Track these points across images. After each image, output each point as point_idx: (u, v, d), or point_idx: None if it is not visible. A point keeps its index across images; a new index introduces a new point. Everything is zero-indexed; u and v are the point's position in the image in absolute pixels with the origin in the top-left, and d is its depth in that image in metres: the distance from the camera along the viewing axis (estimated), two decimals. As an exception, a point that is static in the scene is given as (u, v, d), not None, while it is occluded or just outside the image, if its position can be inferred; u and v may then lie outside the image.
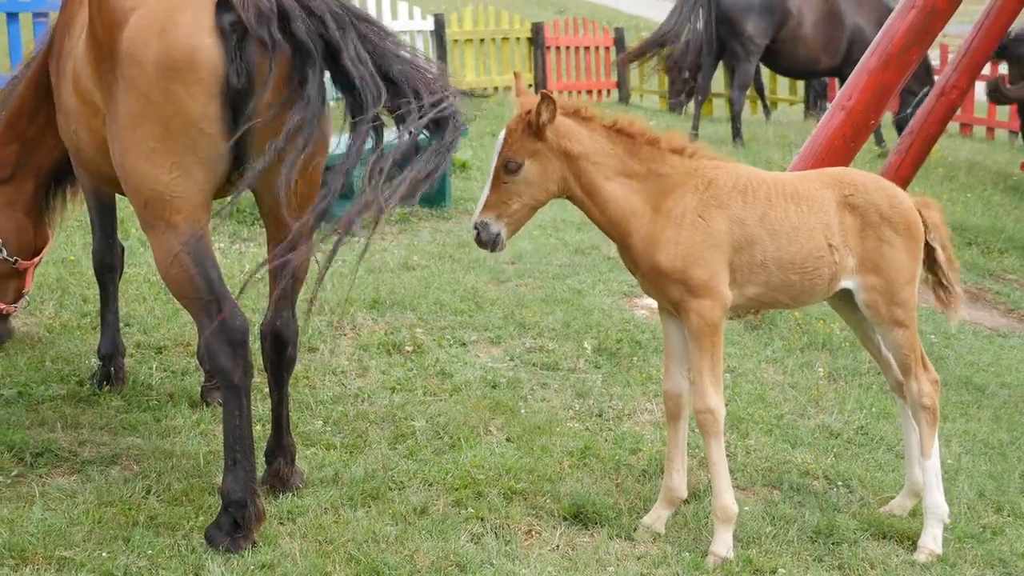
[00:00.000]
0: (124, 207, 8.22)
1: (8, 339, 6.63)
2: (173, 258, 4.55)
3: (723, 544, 4.99)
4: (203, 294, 4.54)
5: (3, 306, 6.49)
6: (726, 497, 5.01)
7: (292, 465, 5.22)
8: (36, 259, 6.57)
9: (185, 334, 6.94)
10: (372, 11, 16.56)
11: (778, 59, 16.34)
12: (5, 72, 11.83)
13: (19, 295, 6.57)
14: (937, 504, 5.27)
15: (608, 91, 20.56)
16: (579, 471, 5.68)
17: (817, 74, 16.91)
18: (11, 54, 11.52)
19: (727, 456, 5.86)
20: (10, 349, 6.61)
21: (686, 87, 19.06)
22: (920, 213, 5.28)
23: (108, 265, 6.26)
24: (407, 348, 7.03)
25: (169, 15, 4.42)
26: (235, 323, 4.54)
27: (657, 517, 5.20)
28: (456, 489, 5.34)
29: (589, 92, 19.94)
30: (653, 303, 8.38)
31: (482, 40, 18.53)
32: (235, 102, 4.48)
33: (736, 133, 15.82)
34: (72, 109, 5.13)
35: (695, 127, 16.01)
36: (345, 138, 4.52)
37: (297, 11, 4.43)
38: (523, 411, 6.32)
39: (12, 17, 11.46)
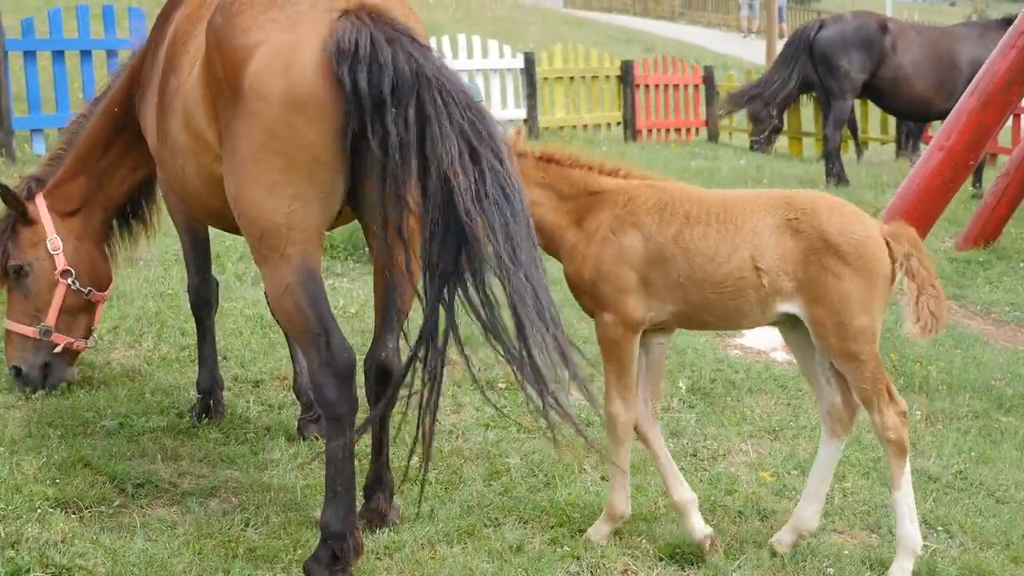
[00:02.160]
0: (217, 243, 8.36)
1: (73, 380, 6.66)
2: (284, 290, 4.58)
3: (597, 533, 5.24)
4: (312, 326, 4.57)
5: (75, 342, 6.57)
6: (616, 496, 5.24)
7: (391, 500, 5.24)
8: (107, 292, 6.68)
9: (281, 368, 7.01)
10: (463, 50, 16.74)
11: (884, 99, 16.00)
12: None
13: (89, 331, 6.68)
14: (910, 536, 5.09)
15: (697, 129, 20.52)
16: (674, 511, 5.63)
17: (932, 116, 16.06)
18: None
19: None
20: (111, 382, 6.72)
21: (771, 125, 18.92)
22: (888, 243, 4.93)
23: (204, 301, 6.34)
24: (500, 385, 7.04)
25: (292, 52, 4.47)
26: (342, 356, 4.56)
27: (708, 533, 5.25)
28: (552, 527, 5.33)
29: (678, 130, 19.93)
30: (747, 342, 8.35)
31: (571, 78, 18.63)
32: (354, 138, 4.51)
33: (830, 172, 15.59)
34: (181, 146, 5.18)
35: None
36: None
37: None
38: (617, 450, 6.28)
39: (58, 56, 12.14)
